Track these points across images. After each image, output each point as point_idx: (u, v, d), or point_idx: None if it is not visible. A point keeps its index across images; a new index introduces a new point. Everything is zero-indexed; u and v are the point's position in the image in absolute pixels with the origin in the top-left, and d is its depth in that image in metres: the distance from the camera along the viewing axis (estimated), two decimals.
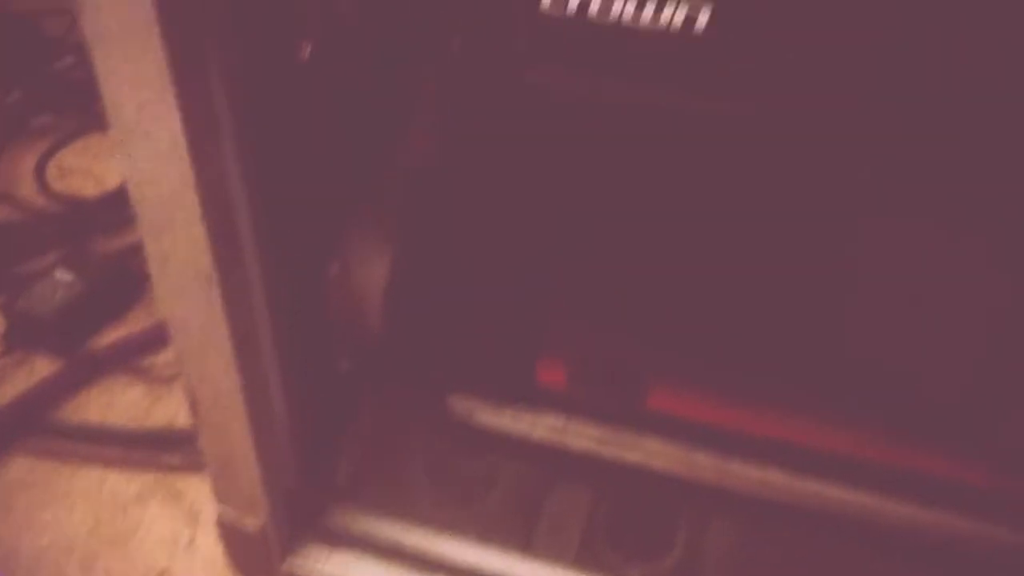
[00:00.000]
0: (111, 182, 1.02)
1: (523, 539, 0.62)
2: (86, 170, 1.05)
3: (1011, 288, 0.50)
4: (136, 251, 0.56)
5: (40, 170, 1.03)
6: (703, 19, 0.44)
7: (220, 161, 0.42)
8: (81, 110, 1.06)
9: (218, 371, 0.48)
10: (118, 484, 0.78)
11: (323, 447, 0.59)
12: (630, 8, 0.45)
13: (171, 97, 0.38)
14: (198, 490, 0.75)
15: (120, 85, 0.38)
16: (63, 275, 0.89)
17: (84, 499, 0.76)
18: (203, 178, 0.41)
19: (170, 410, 0.81)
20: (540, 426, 0.63)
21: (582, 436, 0.63)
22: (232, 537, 0.56)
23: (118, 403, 0.85)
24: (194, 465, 0.75)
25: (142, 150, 0.40)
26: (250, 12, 0.42)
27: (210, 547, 0.70)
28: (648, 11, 0.44)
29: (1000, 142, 0.44)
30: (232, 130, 0.42)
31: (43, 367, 0.86)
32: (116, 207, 0.94)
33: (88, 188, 1.03)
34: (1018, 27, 0.41)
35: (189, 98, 0.39)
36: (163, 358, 0.84)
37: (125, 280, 0.89)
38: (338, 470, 0.60)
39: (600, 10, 0.45)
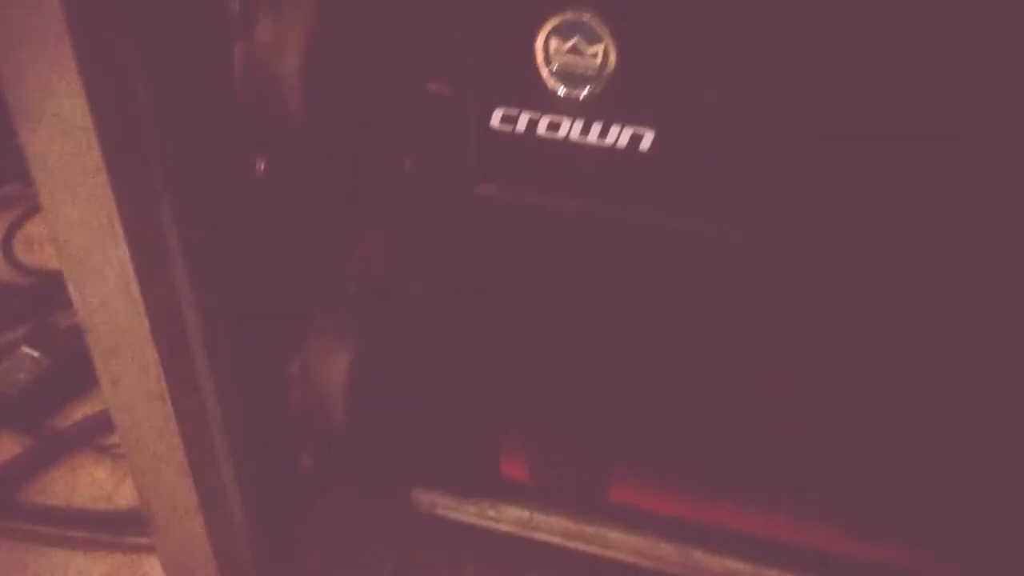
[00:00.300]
0: None
1: None
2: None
3: (971, 384, 0.52)
4: None
5: (7, 241, 1.04)
6: (648, 139, 0.45)
7: (171, 287, 0.43)
8: None
9: (173, 486, 0.49)
10: (84, 565, 0.79)
11: (285, 545, 0.60)
12: (577, 128, 0.46)
13: (119, 234, 0.39)
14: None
15: (68, 224, 0.39)
16: (29, 351, 0.90)
17: None
18: (153, 306, 0.42)
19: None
20: (505, 518, 0.64)
21: (547, 528, 0.64)
22: None
23: (84, 482, 0.86)
24: None
25: (91, 284, 0.41)
26: (202, 138, 0.43)
27: None
28: (594, 132, 0.46)
29: (952, 246, 0.46)
30: (183, 256, 0.43)
31: (8, 445, 0.87)
32: None
33: (55, 260, 1.03)
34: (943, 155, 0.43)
35: (138, 234, 0.40)
36: None
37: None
38: (302, 567, 0.61)
39: (548, 128, 0.47)
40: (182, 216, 0.42)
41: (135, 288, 0.41)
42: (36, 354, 0.89)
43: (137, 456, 0.48)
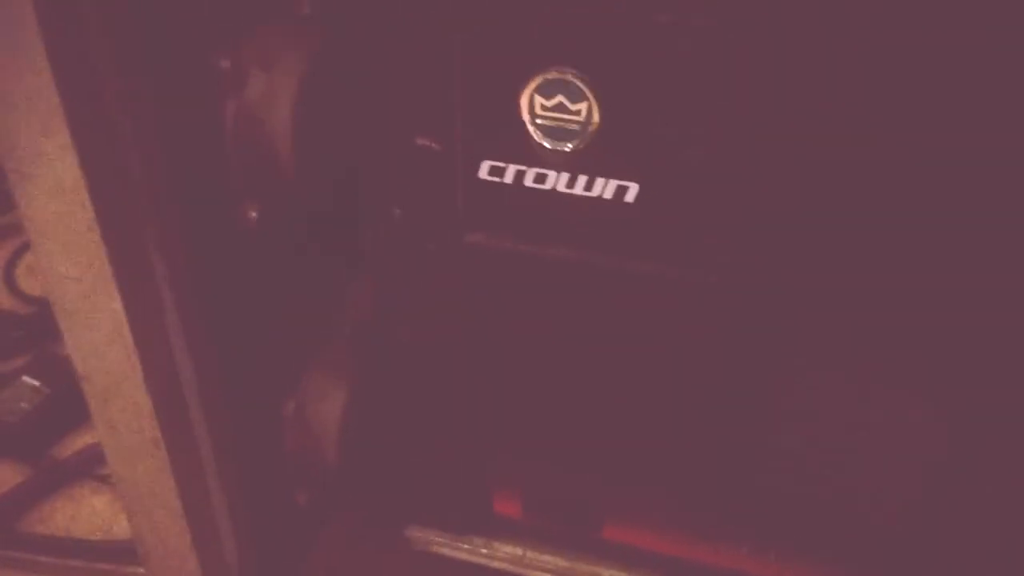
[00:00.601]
0: None
1: None
2: None
3: (948, 424, 0.53)
4: None
5: (9, 270, 1.06)
6: (632, 192, 0.47)
7: (164, 336, 0.45)
8: None
9: (168, 527, 0.51)
10: None
11: None
12: (564, 181, 0.48)
13: (112, 288, 0.41)
14: None
15: (61, 279, 0.41)
16: (29, 381, 0.92)
17: None
18: (147, 355, 0.44)
19: None
20: (498, 556, 0.66)
21: (540, 566, 0.65)
22: None
23: (83, 512, 0.87)
24: None
25: (85, 334, 0.43)
26: (193, 193, 0.45)
27: None
28: (580, 184, 0.48)
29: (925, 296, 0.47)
30: (176, 306, 0.45)
31: (8, 474, 0.88)
32: None
33: None
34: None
35: (131, 287, 0.42)
36: None
37: None
38: None
39: (535, 180, 0.49)
40: (175, 268, 0.44)
41: (128, 338, 0.43)
42: (37, 383, 0.91)
43: (132, 499, 0.50)
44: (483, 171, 0.49)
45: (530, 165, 0.48)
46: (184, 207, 0.45)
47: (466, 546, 0.64)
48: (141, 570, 0.81)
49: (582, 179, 0.48)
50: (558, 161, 0.48)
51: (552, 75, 0.45)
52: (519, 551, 0.64)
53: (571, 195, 0.48)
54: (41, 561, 0.82)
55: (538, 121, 0.47)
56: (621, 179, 0.47)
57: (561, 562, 0.64)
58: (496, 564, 0.64)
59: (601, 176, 0.47)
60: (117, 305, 0.42)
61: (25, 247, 1.09)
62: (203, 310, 0.48)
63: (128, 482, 0.49)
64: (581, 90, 0.45)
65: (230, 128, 0.48)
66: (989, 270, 0.45)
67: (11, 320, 1.02)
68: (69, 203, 0.39)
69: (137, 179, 0.41)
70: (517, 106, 0.46)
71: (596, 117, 0.46)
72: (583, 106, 0.46)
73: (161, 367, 0.45)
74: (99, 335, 0.43)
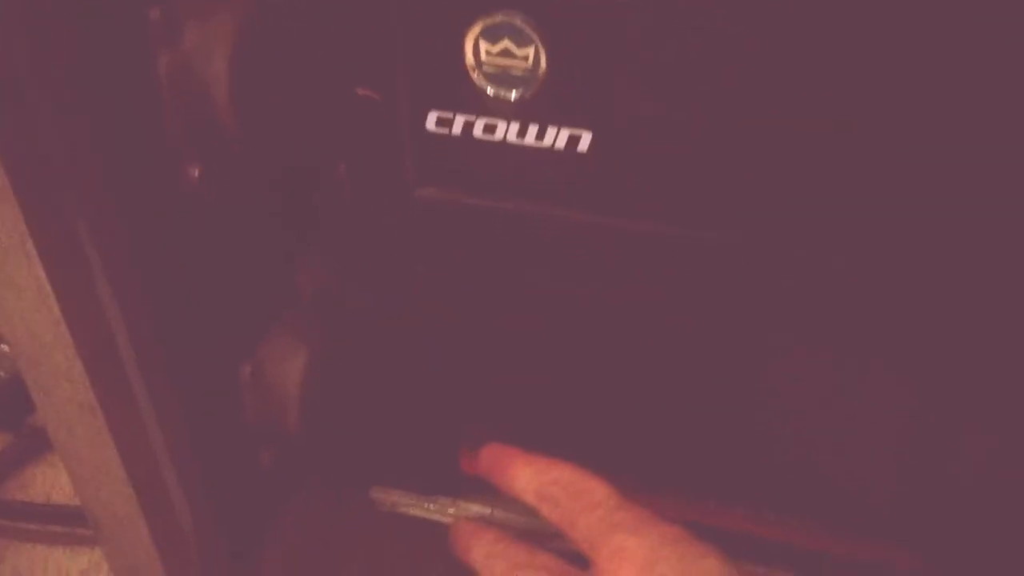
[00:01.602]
0: None
1: None
2: None
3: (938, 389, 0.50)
4: None
5: None
6: (585, 141, 0.43)
7: (94, 300, 0.41)
8: None
9: (114, 494, 0.47)
10: (63, 560, 0.78)
11: (245, 550, 0.59)
12: (514, 130, 0.44)
13: (32, 253, 0.38)
14: None
15: None
16: (6, 348, 0.89)
17: None
18: (74, 320, 0.40)
19: None
20: (466, 515, 0.63)
21: (507, 524, 0.62)
22: None
23: (63, 479, 0.85)
24: None
25: (9, 301, 0.39)
26: (120, 151, 0.41)
27: None
28: (531, 134, 0.44)
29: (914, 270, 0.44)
30: (104, 269, 0.41)
31: None
32: None
33: None
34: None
35: (52, 251, 0.38)
36: None
37: None
38: (264, 570, 0.60)
39: (484, 131, 0.45)
40: (102, 232, 0.40)
41: (54, 304, 0.39)
42: None
43: (74, 467, 0.46)
44: (430, 122, 0.45)
45: (479, 115, 0.44)
46: (111, 169, 0.41)
47: (433, 506, 0.61)
48: None
49: (532, 128, 0.43)
50: (507, 110, 0.44)
51: (496, 18, 0.41)
52: (487, 510, 0.61)
53: (522, 146, 0.44)
54: (21, 527, 0.80)
55: (484, 68, 0.42)
56: (573, 127, 0.43)
57: (530, 520, 0.60)
58: None
59: (552, 125, 0.43)
60: (39, 271, 0.38)
61: None
62: (141, 273, 0.44)
63: (68, 449, 0.45)
64: (527, 34, 0.41)
65: (164, 82, 0.44)
66: (976, 249, 0.41)
67: None
68: None
69: (53, 137, 0.37)
70: (461, 52, 0.42)
71: (543, 62, 0.41)
72: (529, 51, 0.41)
73: (92, 332, 0.42)
74: (23, 301, 0.40)
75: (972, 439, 0.50)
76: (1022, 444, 0.49)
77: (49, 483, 0.83)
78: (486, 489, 0.63)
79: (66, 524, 0.79)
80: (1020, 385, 0.46)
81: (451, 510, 0.62)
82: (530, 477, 0.50)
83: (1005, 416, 0.48)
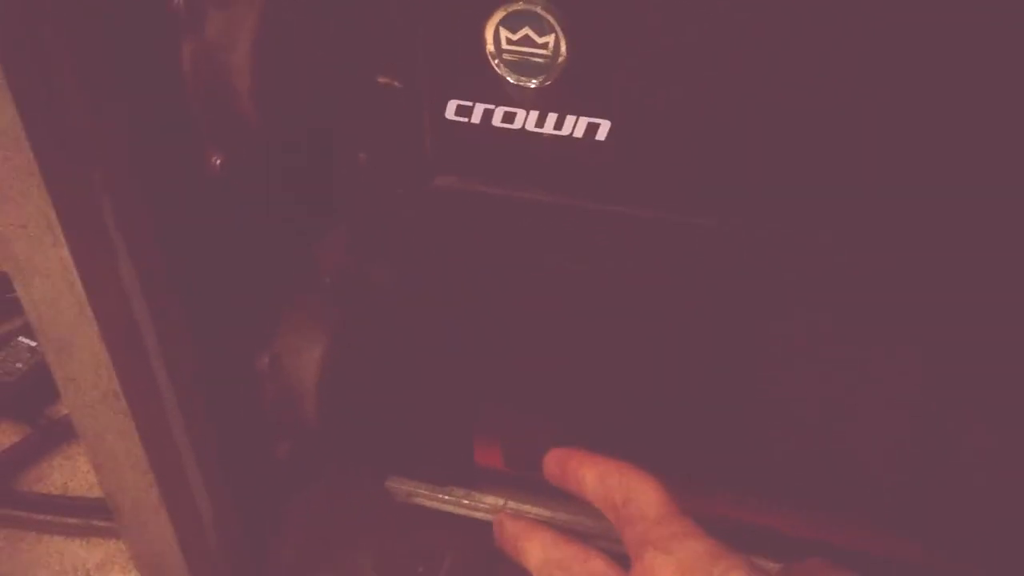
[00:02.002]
0: None
1: None
2: None
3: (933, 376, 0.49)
4: None
5: None
6: (604, 129, 0.43)
7: (118, 286, 0.41)
8: None
9: (135, 482, 0.47)
10: (81, 552, 0.78)
11: (261, 539, 0.58)
12: (533, 119, 0.44)
13: (59, 236, 0.37)
14: None
15: (6, 227, 0.37)
16: (25, 341, 0.89)
17: (46, 568, 0.75)
18: (100, 305, 0.40)
19: None
20: (480, 506, 0.62)
21: (522, 514, 0.62)
22: None
23: (80, 470, 0.84)
24: None
25: (36, 286, 0.39)
26: (146, 138, 0.41)
27: None
28: (550, 123, 0.43)
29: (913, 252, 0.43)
30: (130, 255, 0.41)
31: (7, 434, 0.85)
32: None
33: None
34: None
35: (78, 235, 0.38)
36: None
37: None
38: (278, 559, 0.59)
39: (503, 119, 0.44)
40: (126, 216, 0.40)
41: (80, 289, 0.39)
42: (33, 343, 0.88)
43: (97, 454, 0.46)
44: (450, 111, 0.44)
45: (498, 104, 0.44)
46: (136, 154, 0.40)
47: (447, 497, 0.61)
48: None
49: (551, 117, 0.43)
50: (526, 99, 0.43)
51: (517, 6, 0.40)
52: (500, 501, 0.60)
53: (541, 134, 0.44)
54: (39, 519, 0.79)
55: (504, 57, 0.42)
56: (592, 116, 0.42)
57: (543, 511, 0.60)
58: (478, 514, 0.61)
59: (571, 113, 0.43)
60: (65, 254, 0.38)
61: None
62: (164, 260, 0.43)
63: (91, 436, 0.45)
64: (547, 22, 0.40)
65: (188, 70, 0.43)
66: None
67: (6, 281, 0.97)
68: (4, 147, 0.34)
69: (80, 121, 0.36)
70: (482, 40, 0.41)
71: (564, 50, 0.41)
72: (549, 39, 0.41)
73: (117, 318, 0.41)
74: (50, 287, 0.39)
75: (975, 430, 0.50)
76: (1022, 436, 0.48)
77: (67, 475, 0.82)
78: (500, 480, 0.63)
79: (83, 516, 0.79)
80: (1020, 375, 0.45)
81: (465, 501, 0.62)
82: (594, 482, 0.50)
83: (1006, 406, 0.47)
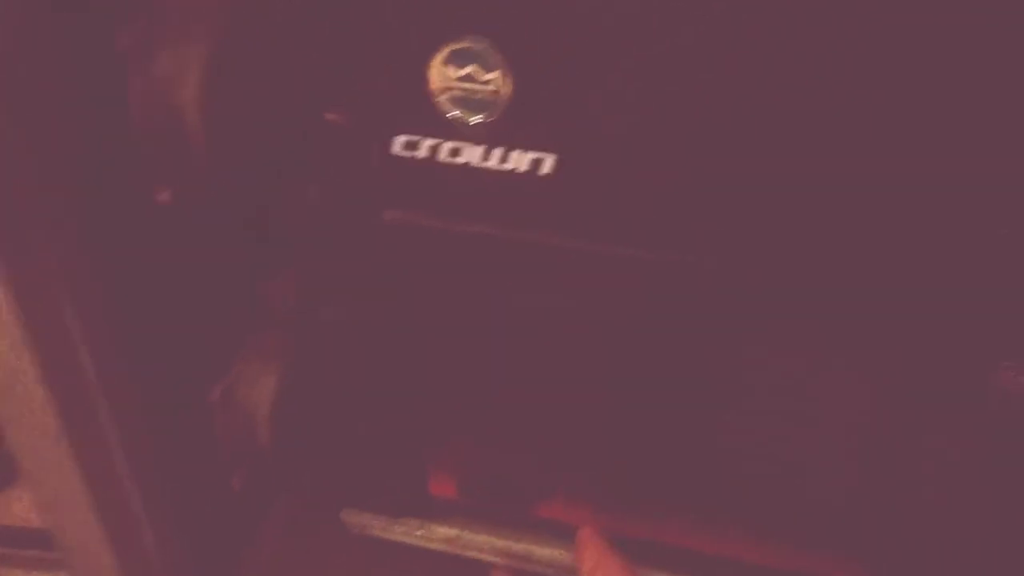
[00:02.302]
0: None
1: None
2: None
3: (883, 403, 0.49)
4: None
5: None
6: (548, 163, 0.42)
7: (60, 326, 0.40)
8: None
9: (80, 521, 0.46)
10: None
11: (217, 572, 0.57)
12: (478, 154, 0.43)
13: None
14: None
15: None
16: None
17: None
18: (40, 347, 0.39)
19: None
20: (434, 537, 0.61)
21: (475, 546, 0.61)
22: None
23: None
24: None
25: None
26: (88, 176, 0.40)
27: None
28: (495, 157, 0.43)
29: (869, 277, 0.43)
30: (72, 296, 0.39)
31: None
32: None
33: None
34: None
35: (16, 277, 0.36)
36: None
37: None
38: None
39: (450, 154, 0.43)
40: (68, 254, 0.39)
41: (17, 330, 0.38)
42: None
43: (40, 493, 0.44)
44: (397, 146, 0.43)
45: (444, 139, 0.43)
46: (81, 190, 0.39)
47: (401, 528, 0.60)
48: None
49: (497, 152, 0.42)
50: (472, 134, 0.42)
51: (461, 44, 0.40)
52: (454, 532, 0.59)
53: (487, 169, 0.43)
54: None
55: (450, 92, 0.41)
56: (536, 151, 0.42)
57: (496, 541, 0.59)
58: (432, 545, 0.60)
59: (516, 148, 0.42)
60: (2, 292, 0.37)
61: None
62: (107, 298, 0.42)
63: (35, 476, 0.43)
64: (491, 59, 0.40)
65: (136, 108, 0.42)
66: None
67: None
68: None
69: (22, 160, 0.35)
70: (426, 77, 0.41)
71: (508, 86, 0.40)
72: (495, 75, 0.40)
73: (57, 358, 0.40)
74: None
75: (930, 448, 0.50)
76: (978, 456, 0.48)
77: (25, 507, 0.80)
78: (454, 511, 0.62)
79: (42, 548, 0.77)
80: (977, 395, 0.45)
81: (419, 532, 0.60)
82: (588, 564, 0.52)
83: (961, 427, 0.47)
